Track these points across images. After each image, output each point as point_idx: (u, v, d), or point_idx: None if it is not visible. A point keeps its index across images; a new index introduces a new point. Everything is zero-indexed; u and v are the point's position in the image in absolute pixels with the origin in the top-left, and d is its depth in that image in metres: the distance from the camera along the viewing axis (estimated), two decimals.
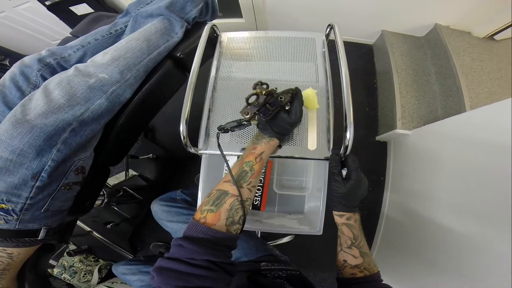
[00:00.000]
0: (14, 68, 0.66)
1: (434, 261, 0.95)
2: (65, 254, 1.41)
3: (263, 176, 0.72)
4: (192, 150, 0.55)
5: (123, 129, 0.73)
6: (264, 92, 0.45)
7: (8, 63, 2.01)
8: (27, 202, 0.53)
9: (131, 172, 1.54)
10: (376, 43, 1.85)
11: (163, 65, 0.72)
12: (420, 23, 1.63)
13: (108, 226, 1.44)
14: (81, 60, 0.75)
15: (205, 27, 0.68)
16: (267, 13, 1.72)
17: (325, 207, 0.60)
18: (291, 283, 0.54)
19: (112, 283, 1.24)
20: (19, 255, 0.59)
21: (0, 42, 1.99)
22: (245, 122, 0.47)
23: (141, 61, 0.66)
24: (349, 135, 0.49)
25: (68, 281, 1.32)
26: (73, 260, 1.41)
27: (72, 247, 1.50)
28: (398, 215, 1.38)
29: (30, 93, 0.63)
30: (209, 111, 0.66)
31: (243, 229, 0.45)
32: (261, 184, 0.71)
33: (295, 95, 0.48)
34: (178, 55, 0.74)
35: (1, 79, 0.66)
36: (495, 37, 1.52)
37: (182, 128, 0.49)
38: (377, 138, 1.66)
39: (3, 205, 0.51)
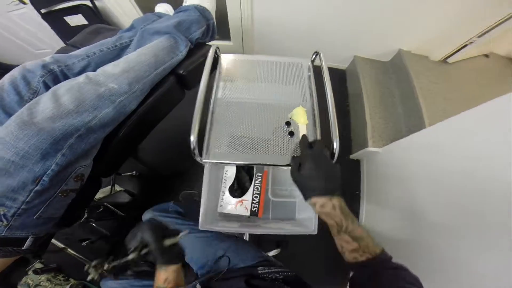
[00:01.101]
0: (15, 72, 0.66)
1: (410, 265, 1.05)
2: (29, 272, 1.28)
3: (259, 184, 0.78)
4: (199, 159, 0.60)
5: (123, 140, 0.75)
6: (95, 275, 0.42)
7: None
8: (22, 207, 0.52)
9: (117, 187, 1.50)
10: (349, 68, 2.07)
11: (167, 80, 0.77)
12: (387, 49, 1.84)
13: (84, 243, 1.36)
14: (84, 69, 0.76)
15: (210, 49, 0.73)
16: (254, 37, 1.87)
17: None
18: (288, 284, 0.56)
19: None
20: None
21: None
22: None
23: (149, 75, 0.70)
24: (336, 144, 0.58)
25: None
26: (39, 279, 1.29)
27: (38, 265, 1.36)
28: (374, 225, 1.49)
29: (29, 98, 0.64)
30: (211, 125, 0.71)
31: (238, 236, 0.49)
32: (258, 192, 0.77)
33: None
34: (181, 72, 0.79)
35: None
36: (448, 60, 1.76)
37: (193, 139, 0.54)
38: (351, 156, 1.80)
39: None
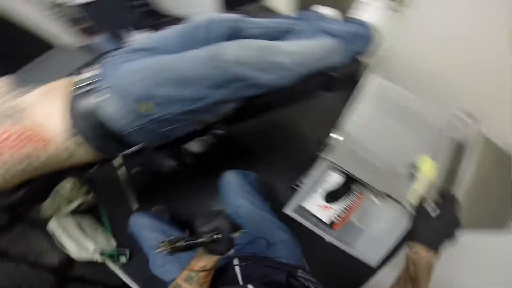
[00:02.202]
0: (212, 17, 0.75)
1: None
2: None
3: (352, 202, 0.77)
4: (324, 154, 0.63)
5: (256, 106, 0.78)
6: (165, 251, 0.44)
7: None
8: (167, 115, 0.59)
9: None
10: None
11: (315, 78, 0.77)
12: None
13: (134, 171, 1.46)
14: (257, 37, 0.75)
15: (373, 80, 0.74)
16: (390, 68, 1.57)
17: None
18: None
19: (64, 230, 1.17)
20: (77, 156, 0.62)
21: None
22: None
23: (311, 65, 0.73)
24: None
25: None
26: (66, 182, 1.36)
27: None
28: None
29: (215, 41, 0.69)
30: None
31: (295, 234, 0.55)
32: (347, 208, 0.77)
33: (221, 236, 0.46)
34: (334, 74, 0.81)
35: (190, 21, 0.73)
36: None
37: (335, 136, 0.57)
38: None
39: (146, 107, 0.57)
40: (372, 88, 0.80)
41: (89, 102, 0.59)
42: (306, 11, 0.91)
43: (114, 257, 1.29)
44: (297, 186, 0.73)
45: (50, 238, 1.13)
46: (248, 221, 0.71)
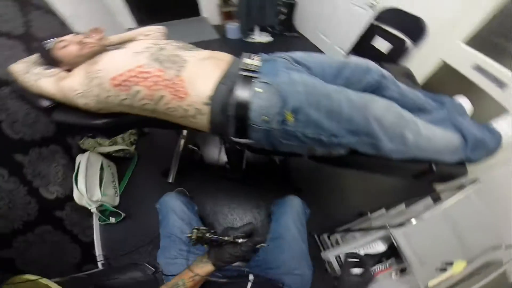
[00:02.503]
0: (363, 63, 0.77)
1: None
2: None
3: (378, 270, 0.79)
4: None
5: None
6: (194, 238, 0.48)
7: None
8: (297, 133, 0.62)
9: None
10: None
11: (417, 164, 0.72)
12: None
13: (191, 147, 1.48)
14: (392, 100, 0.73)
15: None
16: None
17: None
18: None
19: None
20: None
21: None
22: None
23: (427, 153, 0.69)
24: None
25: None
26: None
27: None
28: None
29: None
30: None
31: None
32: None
33: (250, 235, 0.51)
34: (433, 168, 0.72)
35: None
36: None
37: None
38: None
39: (289, 117, 0.60)
40: (457, 200, 0.79)
41: (245, 87, 0.62)
42: (446, 96, 0.86)
43: (106, 214, 1.25)
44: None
45: (69, 170, 1.15)
46: (288, 245, 0.74)
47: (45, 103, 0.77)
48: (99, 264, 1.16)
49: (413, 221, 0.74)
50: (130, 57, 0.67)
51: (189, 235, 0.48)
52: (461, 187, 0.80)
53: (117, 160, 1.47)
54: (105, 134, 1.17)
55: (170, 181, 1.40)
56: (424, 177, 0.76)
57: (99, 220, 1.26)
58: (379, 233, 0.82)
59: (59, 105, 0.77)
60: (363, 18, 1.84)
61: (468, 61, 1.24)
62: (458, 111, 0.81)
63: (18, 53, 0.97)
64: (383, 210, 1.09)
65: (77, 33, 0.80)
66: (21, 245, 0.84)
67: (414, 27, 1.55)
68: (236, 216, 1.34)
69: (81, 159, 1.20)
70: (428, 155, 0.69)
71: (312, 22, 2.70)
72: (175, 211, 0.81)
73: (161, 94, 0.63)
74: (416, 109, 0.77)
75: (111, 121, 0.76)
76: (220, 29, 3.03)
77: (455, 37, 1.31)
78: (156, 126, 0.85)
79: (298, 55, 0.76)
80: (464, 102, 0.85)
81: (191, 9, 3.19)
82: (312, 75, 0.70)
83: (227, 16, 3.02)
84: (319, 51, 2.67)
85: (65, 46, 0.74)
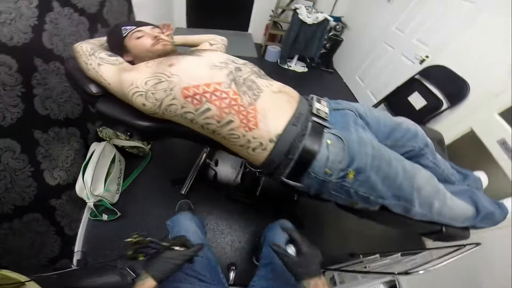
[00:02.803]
0: (412, 127, 0.79)
1: None
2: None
3: None
4: None
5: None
6: (134, 241, 0.46)
7: None
8: (351, 189, 0.60)
9: None
10: None
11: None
12: None
13: (209, 161, 1.41)
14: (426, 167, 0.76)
15: None
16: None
17: None
18: None
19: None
20: None
21: None
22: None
23: (444, 219, 0.71)
24: None
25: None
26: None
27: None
28: None
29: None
30: None
31: None
32: None
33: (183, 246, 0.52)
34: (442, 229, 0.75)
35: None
36: None
37: None
38: None
39: (350, 174, 0.58)
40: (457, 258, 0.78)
41: (316, 135, 0.60)
42: (469, 171, 0.91)
43: (99, 209, 1.14)
44: None
45: (79, 157, 1.07)
46: (279, 271, 0.70)
47: (94, 90, 0.70)
48: (74, 261, 1.03)
49: (420, 271, 0.77)
50: (208, 70, 0.62)
51: (129, 239, 0.45)
52: (461, 247, 0.85)
53: (128, 156, 1.39)
54: (143, 136, 1.08)
55: (183, 192, 1.31)
56: (430, 236, 0.80)
57: (90, 215, 1.14)
58: (384, 278, 0.85)
59: (107, 95, 0.70)
60: (408, 71, 1.82)
61: (496, 133, 1.23)
62: (477, 185, 0.87)
63: (81, 31, 0.94)
64: (377, 256, 1.13)
65: (155, 26, 0.75)
66: (2, 232, 0.74)
67: (457, 90, 1.50)
68: (236, 238, 1.27)
69: (96, 148, 1.12)
70: (444, 220, 0.73)
71: (351, 63, 2.71)
72: (188, 233, 0.73)
73: (231, 118, 0.58)
74: (443, 179, 0.80)
75: (156, 126, 0.69)
76: (259, 48, 3.06)
77: (493, 108, 1.26)
78: (195, 140, 0.79)
79: (361, 109, 0.74)
80: (483, 177, 0.93)
81: (242, 23, 3.25)
82: (368, 130, 0.70)
83: (271, 38, 3.06)
84: (350, 92, 2.69)
85: (140, 37, 0.70)
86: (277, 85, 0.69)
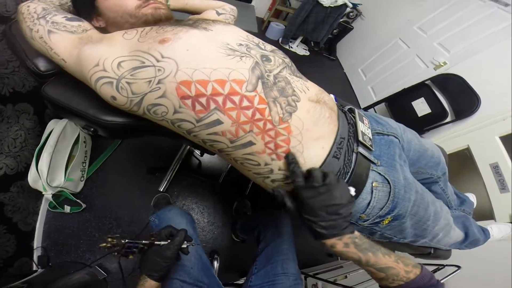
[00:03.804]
0: (436, 152, 0.75)
1: None
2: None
3: None
4: None
5: None
6: (109, 245, 0.42)
7: None
8: (380, 231, 0.53)
9: None
10: None
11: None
12: None
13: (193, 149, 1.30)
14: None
15: None
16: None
17: None
18: None
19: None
20: None
21: None
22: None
23: (437, 244, 0.67)
24: None
25: None
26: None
27: None
28: None
29: None
30: None
31: None
32: None
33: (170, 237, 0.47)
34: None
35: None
36: None
37: None
38: None
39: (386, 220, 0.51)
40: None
41: (361, 174, 0.46)
42: (467, 196, 0.91)
43: (59, 200, 0.99)
44: None
45: (32, 138, 0.87)
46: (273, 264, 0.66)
47: (43, 67, 0.49)
48: (35, 258, 0.91)
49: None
50: (222, 57, 0.40)
51: (103, 244, 0.41)
52: (440, 267, 0.86)
53: (95, 136, 1.19)
54: (113, 134, 0.81)
55: (161, 190, 1.18)
56: (419, 256, 0.82)
57: (49, 206, 0.98)
58: None
59: (62, 74, 0.49)
60: (419, 74, 1.74)
61: (491, 155, 1.22)
62: (470, 210, 0.87)
63: None
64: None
65: None
66: None
67: (467, 105, 1.40)
68: (216, 232, 1.21)
69: (55, 127, 0.92)
70: (437, 245, 0.71)
71: (357, 54, 2.54)
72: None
73: (251, 140, 0.40)
74: (445, 204, 0.76)
75: (134, 123, 0.50)
76: (260, 23, 2.76)
77: (495, 130, 1.26)
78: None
79: (399, 131, 0.61)
80: (473, 199, 0.95)
81: None
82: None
83: (276, 14, 2.76)
84: (349, 83, 2.57)
85: None
86: (314, 89, 0.48)
